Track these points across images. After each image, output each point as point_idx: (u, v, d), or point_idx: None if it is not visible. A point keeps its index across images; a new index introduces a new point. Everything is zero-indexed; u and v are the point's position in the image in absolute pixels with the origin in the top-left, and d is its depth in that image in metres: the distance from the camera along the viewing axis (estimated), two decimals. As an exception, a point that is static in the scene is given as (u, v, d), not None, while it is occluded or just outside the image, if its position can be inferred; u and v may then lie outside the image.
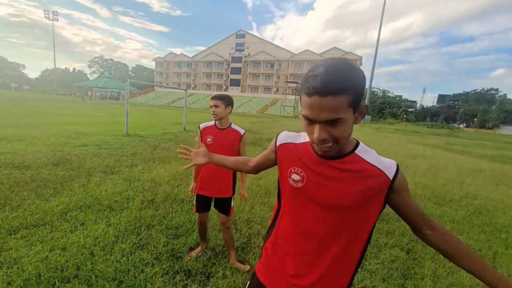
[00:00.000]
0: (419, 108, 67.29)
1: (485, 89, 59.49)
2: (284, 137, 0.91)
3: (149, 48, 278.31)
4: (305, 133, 0.84)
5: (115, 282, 1.74)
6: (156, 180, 3.87)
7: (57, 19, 70.94)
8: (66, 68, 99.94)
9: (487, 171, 7.10)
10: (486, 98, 56.09)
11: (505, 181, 6.04)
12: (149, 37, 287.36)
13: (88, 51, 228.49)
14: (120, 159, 4.95)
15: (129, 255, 2.05)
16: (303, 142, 0.85)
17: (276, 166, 0.96)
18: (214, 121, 1.93)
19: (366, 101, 43.05)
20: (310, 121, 0.68)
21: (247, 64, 61.90)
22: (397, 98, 72.25)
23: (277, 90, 59.55)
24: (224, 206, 1.99)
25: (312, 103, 0.63)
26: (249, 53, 63.45)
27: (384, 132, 21.68)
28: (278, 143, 0.92)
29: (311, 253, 0.82)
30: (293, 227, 0.85)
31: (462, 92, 63.61)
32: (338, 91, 0.61)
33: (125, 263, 1.93)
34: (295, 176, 0.83)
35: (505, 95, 52.76)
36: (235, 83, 63.87)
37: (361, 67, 53.69)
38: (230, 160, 1.13)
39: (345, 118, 0.64)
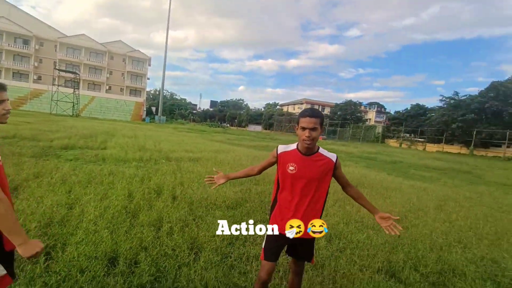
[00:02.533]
0: (199, 111, 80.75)
1: (237, 99, 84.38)
2: (281, 148, 1.68)
3: None
4: (293, 144, 1.64)
5: None
6: None
7: None
8: None
9: (258, 156, 10.71)
10: (238, 105, 79.71)
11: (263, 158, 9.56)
12: None
13: None
14: None
15: None
16: (293, 149, 1.63)
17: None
18: None
19: (159, 102, 44.34)
20: (303, 129, 1.48)
21: (-32, 30, 38.87)
22: (183, 101, 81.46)
23: (40, 78, 43.60)
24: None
25: (306, 120, 1.48)
26: (-30, 13, 40.05)
27: (182, 132, 23.93)
28: (278, 152, 1.67)
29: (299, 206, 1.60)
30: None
31: (225, 100, 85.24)
32: (316, 116, 1.48)
33: None
34: (291, 167, 1.57)
35: (247, 104, 79.53)
36: None
37: (149, 68, 53.17)
38: (241, 172, 1.89)
39: (318, 128, 1.49)
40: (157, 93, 71.56)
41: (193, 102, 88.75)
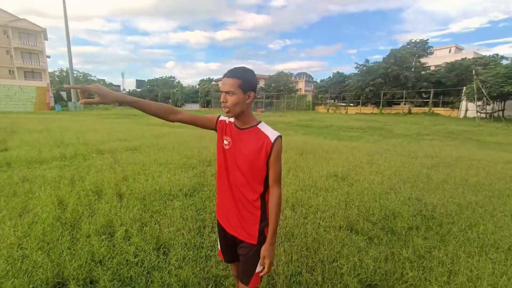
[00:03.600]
0: (125, 92, 71.27)
1: (167, 76, 77.21)
2: (223, 116, 1.33)
3: None
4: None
5: None
6: None
7: None
8: None
9: (204, 136, 10.30)
10: (170, 83, 73.43)
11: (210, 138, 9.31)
12: None
13: None
14: None
15: None
16: (231, 121, 1.29)
17: None
18: None
19: (71, 84, 36.80)
20: (221, 93, 1.16)
21: None
22: (101, 82, 70.12)
23: None
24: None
25: (222, 81, 1.14)
26: None
27: (108, 118, 20.84)
28: (219, 119, 1.33)
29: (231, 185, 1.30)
30: None
31: (153, 78, 76.81)
32: (231, 76, 1.12)
33: None
34: (225, 141, 1.27)
35: (179, 81, 73.37)
36: None
37: (47, 43, 42.97)
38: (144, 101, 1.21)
39: (235, 92, 1.11)
40: (65, 74, 59.20)
41: (114, 83, 77.29)
